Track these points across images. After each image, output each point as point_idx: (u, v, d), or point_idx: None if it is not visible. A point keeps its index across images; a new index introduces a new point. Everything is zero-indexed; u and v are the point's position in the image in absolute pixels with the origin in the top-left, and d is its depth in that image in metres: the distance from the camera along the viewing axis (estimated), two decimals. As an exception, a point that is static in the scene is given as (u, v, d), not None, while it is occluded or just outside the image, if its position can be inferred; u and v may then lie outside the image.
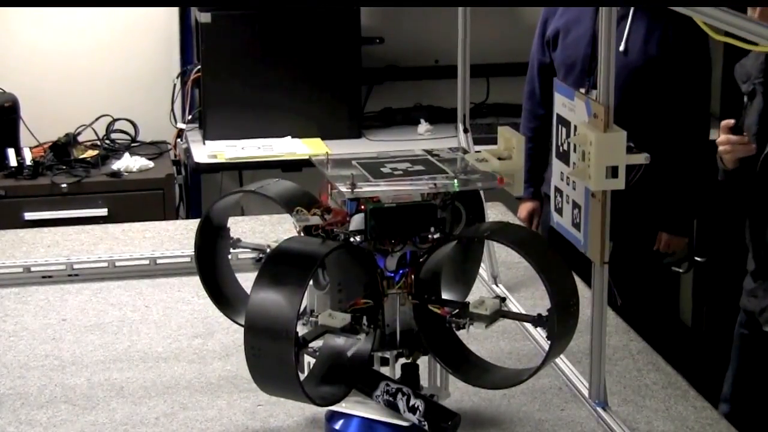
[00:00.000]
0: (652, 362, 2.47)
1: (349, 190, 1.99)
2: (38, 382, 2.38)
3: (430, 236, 2.06)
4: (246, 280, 2.32)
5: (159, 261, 2.97)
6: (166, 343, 2.57)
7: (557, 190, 2.31)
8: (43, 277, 2.91)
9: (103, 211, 4.48)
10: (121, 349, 2.54)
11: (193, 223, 3.42)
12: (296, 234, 2.09)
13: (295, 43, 4.68)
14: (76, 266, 2.93)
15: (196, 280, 2.87)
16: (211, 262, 2.31)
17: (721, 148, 3.17)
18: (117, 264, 2.95)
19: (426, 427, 2.02)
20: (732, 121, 3.15)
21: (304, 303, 1.98)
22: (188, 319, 2.69)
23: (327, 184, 2.12)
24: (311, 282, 2.00)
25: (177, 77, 4.96)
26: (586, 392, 2.27)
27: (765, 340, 3.22)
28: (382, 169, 2.10)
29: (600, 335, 2.18)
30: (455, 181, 2.06)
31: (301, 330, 1.93)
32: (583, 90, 3.55)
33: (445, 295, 2.11)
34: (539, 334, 2.53)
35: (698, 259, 4.79)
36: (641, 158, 2.10)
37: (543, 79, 3.92)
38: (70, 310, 2.74)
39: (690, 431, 2.18)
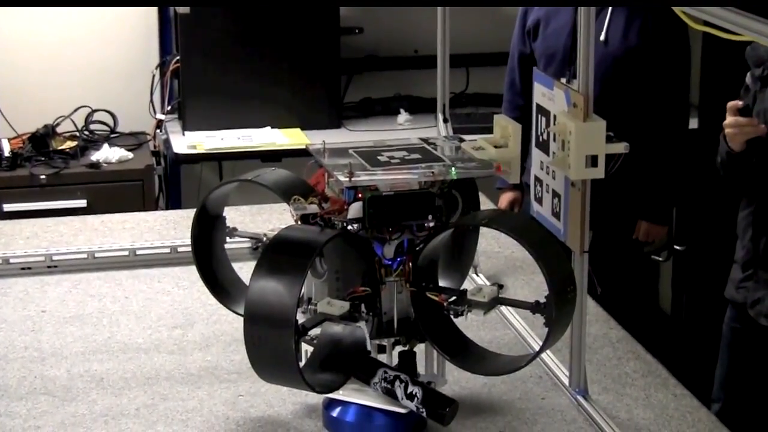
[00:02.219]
0: (632, 351, 2.47)
1: (347, 179, 1.99)
2: (18, 374, 2.37)
3: (427, 224, 2.06)
4: (241, 269, 2.32)
5: (138, 252, 2.96)
6: (146, 334, 2.57)
7: (537, 179, 2.31)
8: (23, 268, 2.90)
9: (82, 203, 4.47)
10: (101, 341, 2.53)
11: (173, 214, 3.43)
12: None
13: (274, 33, 4.67)
14: (55, 258, 2.92)
15: (175, 271, 2.88)
16: (207, 252, 2.31)
17: (728, 130, 3.13)
18: (96, 255, 2.94)
19: (424, 414, 2.03)
20: (740, 103, 3.11)
21: (302, 291, 1.99)
22: (168, 310, 2.69)
23: (320, 172, 2.13)
24: (309, 270, 2.00)
25: (156, 68, 4.95)
26: (566, 381, 2.27)
27: (758, 334, 3.20)
28: (379, 157, 2.11)
29: (580, 324, 2.19)
30: (453, 168, 2.07)
31: (300, 318, 1.94)
32: (564, 80, 3.56)
33: (441, 283, 2.12)
34: (519, 323, 2.53)
35: (678, 247, 4.81)
36: (621, 147, 2.10)
37: (523, 69, 3.92)
38: (49, 302, 2.73)
39: (670, 419, 2.18)
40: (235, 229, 2.32)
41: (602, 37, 3.70)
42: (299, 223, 2.07)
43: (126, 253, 2.96)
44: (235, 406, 2.23)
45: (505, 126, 2.16)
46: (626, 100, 3.71)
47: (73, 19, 4.89)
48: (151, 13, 4.95)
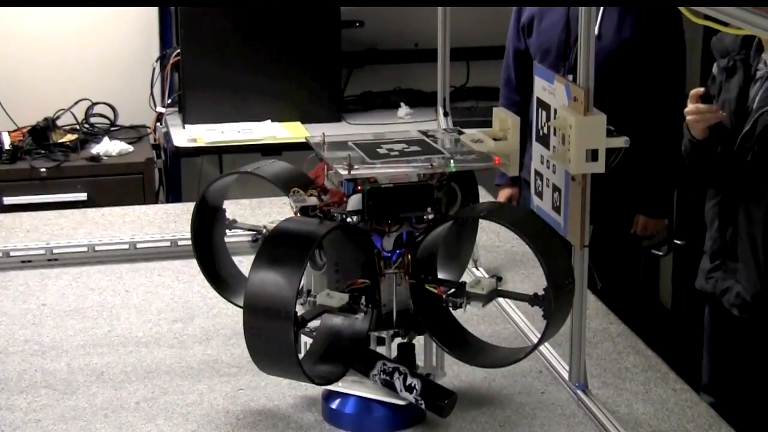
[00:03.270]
0: (631, 345, 2.47)
1: (347, 171, 1.99)
2: (18, 368, 2.38)
3: (426, 216, 2.06)
4: (241, 262, 2.32)
5: (139, 245, 2.96)
6: (146, 327, 2.57)
7: (537, 173, 2.31)
8: (23, 262, 2.90)
9: (82, 196, 4.47)
10: (101, 334, 2.53)
11: (173, 208, 3.43)
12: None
13: (275, 26, 4.67)
14: (55, 251, 2.92)
15: (176, 265, 2.88)
16: (207, 244, 2.32)
17: (689, 117, 3.15)
18: (97, 248, 2.94)
19: (423, 406, 2.03)
20: (702, 90, 3.13)
21: (302, 283, 1.99)
22: (168, 304, 2.69)
23: (321, 165, 2.14)
24: (308, 262, 2.01)
25: (156, 61, 4.94)
26: (566, 375, 2.27)
27: (732, 324, 3.22)
28: (378, 150, 2.11)
29: (580, 318, 2.19)
30: (452, 161, 2.07)
31: (299, 310, 1.94)
32: (559, 75, 3.54)
33: (440, 275, 2.12)
34: (519, 317, 2.54)
35: (678, 242, 4.81)
36: (621, 142, 2.10)
37: (519, 65, 3.92)
38: (50, 295, 2.73)
39: (670, 413, 2.19)
40: (234, 221, 2.32)
41: (596, 32, 3.69)
42: (298, 215, 2.07)
43: (126, 246, 2.96)
44: (235, 400, 2.23)
45: (504, 119, 2.16)
46: (622, 94, 3.70)
47: (73, 12, 4.88)
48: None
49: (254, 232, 2.26)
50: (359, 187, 2.03)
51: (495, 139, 2.14)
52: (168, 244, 2.96)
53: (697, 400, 2.24)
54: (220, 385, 2.29)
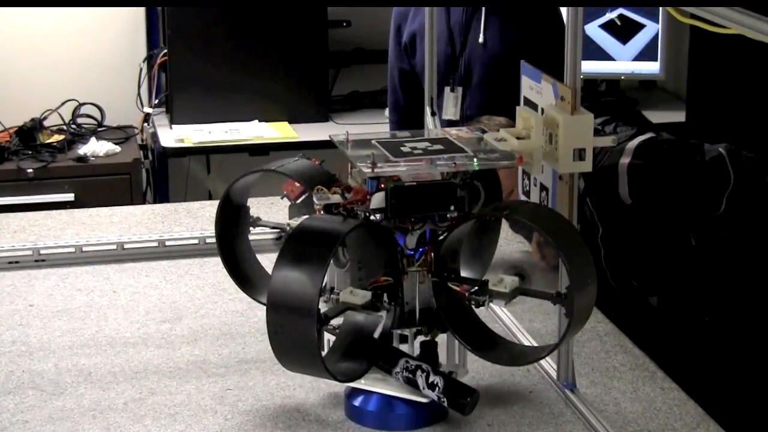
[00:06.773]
0: (619, 344, 2.48)
1: (370, 169, 2.00)
2: (5, 369, 2.37)
3: (449, 215, 2.07)
4: (264, 258, 2.32)
5: (126, 246, 2.95)
6: (134, 328, 2.56)
7: (524, 172, 2.31)
8: (10, 262, 2.89)
9: (69, 196, 4.47)
10: (89, 335, 2.53)
11: (161, 208, 3.42)
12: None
13: (262, 26, 4.67)
14: (42, 252, 2.91)
15: (163, 265, 2.88)
16: (231, 243, 2.31)
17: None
18: (84, 249, 2.93)
19: (445, 404, 2.04)
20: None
21: (325, 280, 1.99)
22: (156, 304, 2.68)
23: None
24: (332, 260, 2.01)
25: (143, 61, 4.94)
26: (554, 374, 2.27)
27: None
28: (401, 148, 2.11)
29: (568, 317, 2.19)
30: (475, 159, 2.07)
31: (323, 307, 1.94)
32: (448, 88, 3.53)
33: (463, 273, 2.12)
34: (505, 313, 2.54)
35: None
36: (608, 141, 2.10)
37: (406, 87, 3.87)
38: (37, 296, 2.73)
39: (657, 412, 2.19)
40: (258, 219, 2.31)
41: (480, 40, 3.64)
42: (322, 213, 2.07)
43: (114, 246, 2.95)
44: (223, 400, 2.23)
45: (527, 117, 2.16)
46: (514, 99, 3.66)
47: (60, 12, 4.88)
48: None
49: (278, 230, 2.26)
50: (382, 185, 2.03)
51: (518, 138, 2.14)
52: (155, 244, 2.95)
53: (684, 398, 2.24)
54: (208, 385, 2.29)
